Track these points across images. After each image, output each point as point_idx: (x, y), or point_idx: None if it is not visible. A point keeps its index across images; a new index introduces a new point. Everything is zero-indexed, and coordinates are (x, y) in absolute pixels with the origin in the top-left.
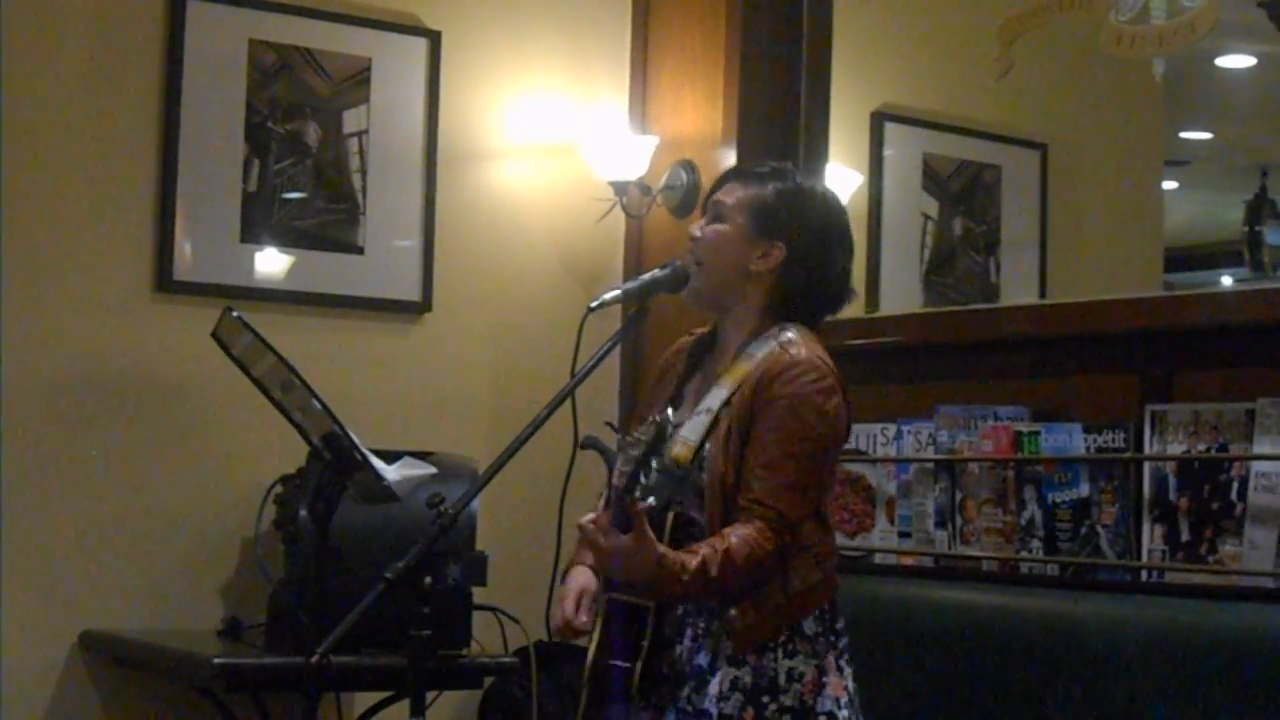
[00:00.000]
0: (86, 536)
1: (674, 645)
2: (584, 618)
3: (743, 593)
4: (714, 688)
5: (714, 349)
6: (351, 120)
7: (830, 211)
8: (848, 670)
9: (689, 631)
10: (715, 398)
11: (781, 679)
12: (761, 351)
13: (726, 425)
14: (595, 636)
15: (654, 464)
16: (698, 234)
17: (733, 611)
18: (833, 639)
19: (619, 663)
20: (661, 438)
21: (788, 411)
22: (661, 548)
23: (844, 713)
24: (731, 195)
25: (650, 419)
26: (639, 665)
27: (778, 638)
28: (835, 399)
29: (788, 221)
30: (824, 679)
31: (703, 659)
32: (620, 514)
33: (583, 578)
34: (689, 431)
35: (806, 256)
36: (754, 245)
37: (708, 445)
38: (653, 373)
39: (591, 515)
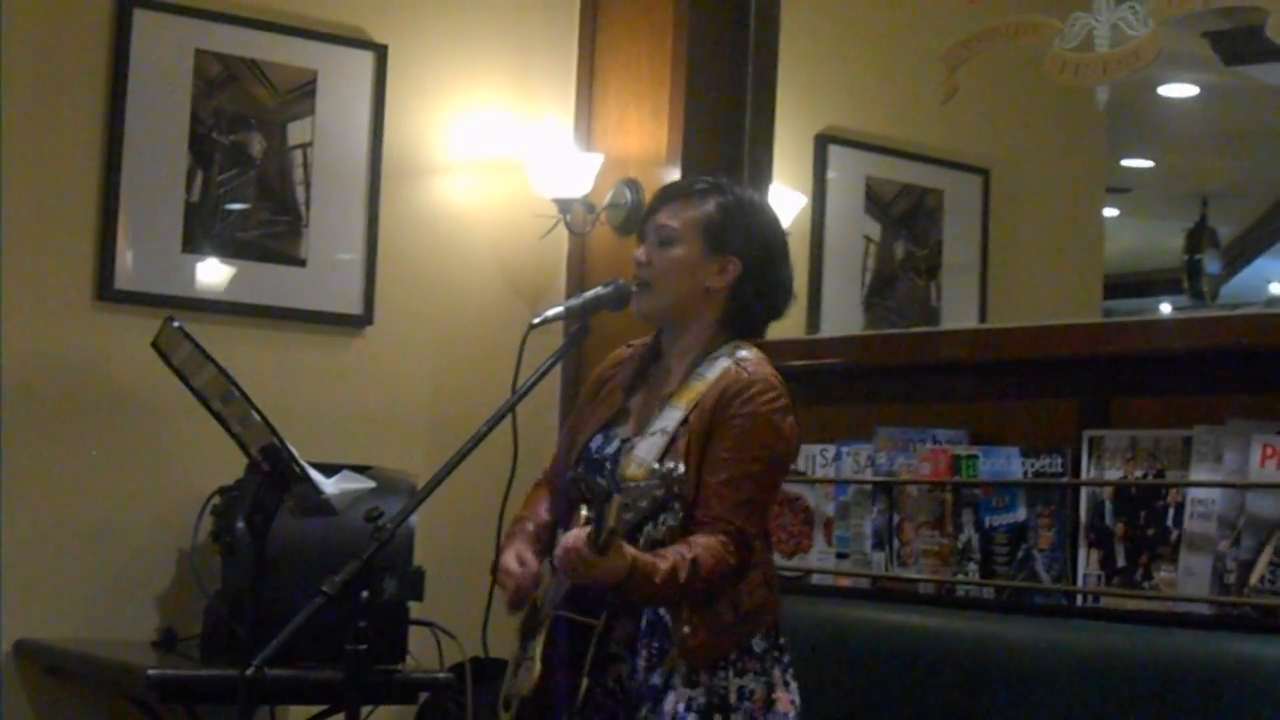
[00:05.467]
0: (22, 544)
1: (621, 662)
2: (531, 571)
3: (694, 612)
4: (668, 706)
5: (657, 363)
6: (296, 132)
7: (771, 220)
8: (793, 684)
9: (643, 652)
10: (669, 419)
11: (732, 697)
12: (714, 371)
13: (684, 445)
14: (538, 648)
15: (667, 519)
16: (644, 258)
17: (685, 630)
18: (777, 654)
19: (562, 678)
20: (674, 494)
21: (747, 430)
22: (632, 551)
23: None
24: (676, 217)
25: (660, 469)
26: (584, 680)
27: (729, 656)
28: (790, 418)
29: (738, 235)
30: (773, 695)
31: (657, 679)
32: (605, 547)
33: (515, 549)
34: (644, 452)
35: (758, 267)
36: (709, 263)
37: (680, 465)
38: (588, 384)
39: (572, 541)
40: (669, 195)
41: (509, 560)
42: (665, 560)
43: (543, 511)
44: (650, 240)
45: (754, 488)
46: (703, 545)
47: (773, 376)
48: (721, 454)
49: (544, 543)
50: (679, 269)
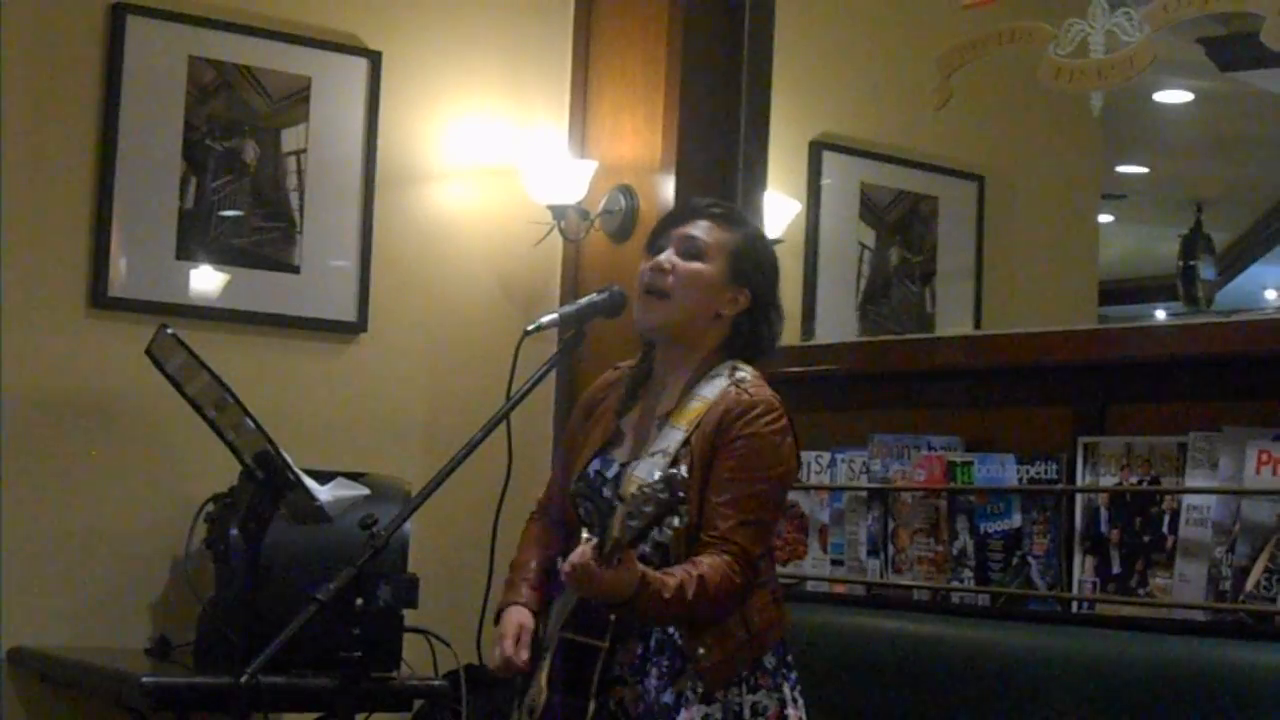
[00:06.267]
0: (15, 552)
1: (625, 686)
2: (524, 654)
3: (707, 632)
4: None
5: (648, 383)
6: (290, 139)
7: (775, 257)
8: (801, 701)
9: (654, 671)
10: (670, 439)
11: (746, 713)
12: (713, 391)
13: (687, 466)
14: (544, 672)
15: (669, 522)
16: (668, 264)
17: (700, 651)
18: (786, 671)
19: (571, 700)
20: (680, 499)
21: (750, 451)
22: (642, 567)
23: None
24: (709, 235)
25: (663, 475)
26: (592, 704)
27: (742, 673)
28: (790, 439)
29: (754, 269)
30: (785, 711)
31: (669, 697)
32: (612, 558)
33: (518, 615)
34: (644, 473)
35: (763, 303)
36: (726, 290)
37: (683, 468)
38: (578, 408)
39: (578, 557)
40: (697, 212)
41: (507, 632)
42: (674, 577)
43: (541, 551)
44: (673, 249)
45: (757, 508)
46: (708, 564)
47: (773, 398)
48: (724, 475)
49: (546, 586)
50: (701, 284)
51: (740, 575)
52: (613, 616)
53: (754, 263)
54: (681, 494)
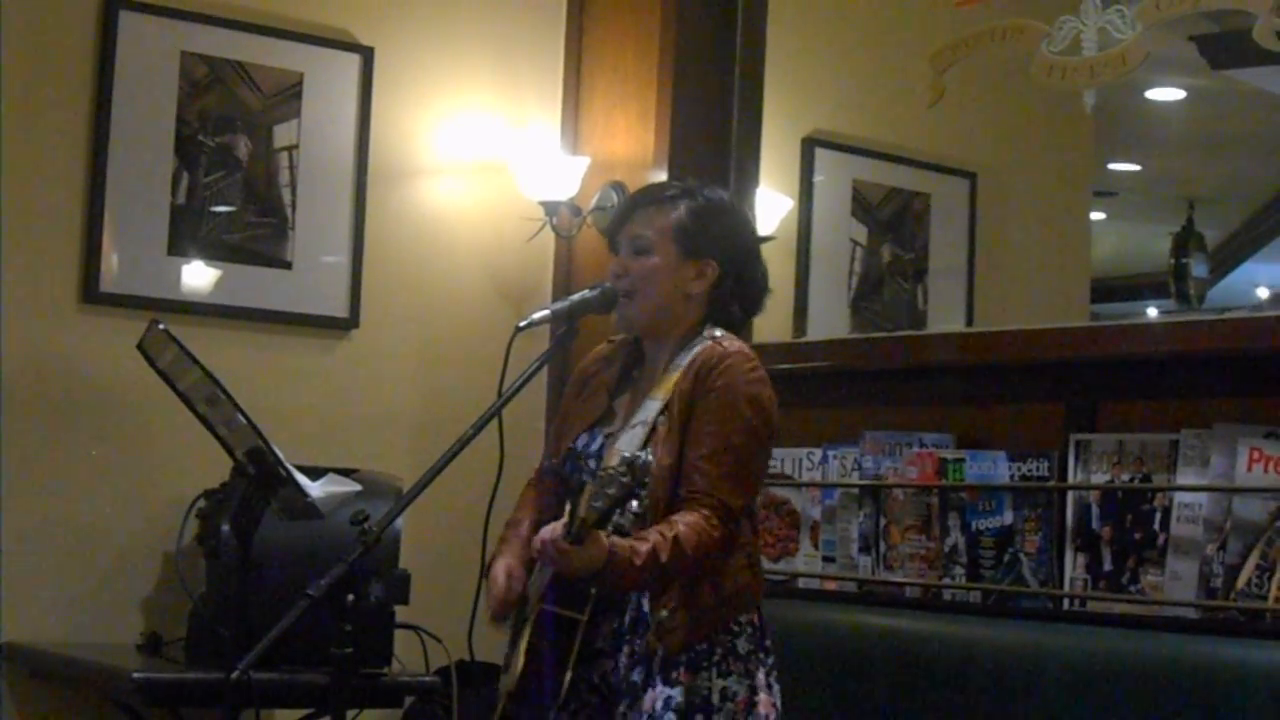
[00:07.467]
0: (6, 547)
1: (608, 659)
2: (517, 588)
3: (674, 594)
4: (647, 704)
5: (642, 364)
6: (282, 135)
7: (742, 219)
8: (775, 687)
9: (625, 648)
10: (649, 410)
11: (715, 698)
12: (689, 357)
13: (665, 431)
14: (522, 646)
15: (633, 505)
16: (621, 269)
17: (664, 613)
18: (762, 655)
19: (548, 671)
20: (640, 482)
21: (725, 402)
22: (612, 539)
23: None
24: (650, 225)
25: (628, 457)
26: (568, 674)
27: (713, 651)
28: (768, 389)
29: (712, 238)
30: (755, 698)
31: (638, 675)
32: (579, 537)
33: (505, 562)
34: (624, 445)
35: (734, 267)
36: (687, 268)
37: (648, 453)
38: (572, 381)
39: (548, 533)
40: (639, 203)
41: (498, 572)
42: (645, 543)
43: (535, 512)
44: (625, 251)
45: (735, 460)
46: (685, 522)
47: (747, 349)
48: (702, 428)
49: None
50: (658, 276)
51: (720, 529)
52: (593, 590)
53: (704, 231)
54: (644, 479)
